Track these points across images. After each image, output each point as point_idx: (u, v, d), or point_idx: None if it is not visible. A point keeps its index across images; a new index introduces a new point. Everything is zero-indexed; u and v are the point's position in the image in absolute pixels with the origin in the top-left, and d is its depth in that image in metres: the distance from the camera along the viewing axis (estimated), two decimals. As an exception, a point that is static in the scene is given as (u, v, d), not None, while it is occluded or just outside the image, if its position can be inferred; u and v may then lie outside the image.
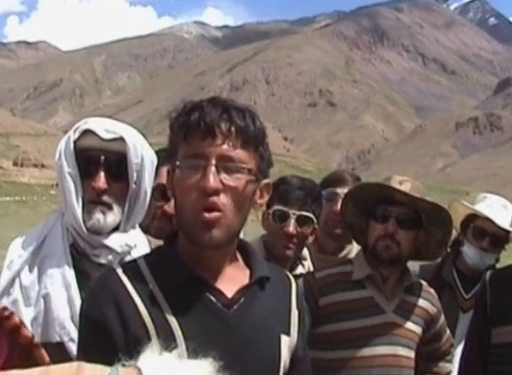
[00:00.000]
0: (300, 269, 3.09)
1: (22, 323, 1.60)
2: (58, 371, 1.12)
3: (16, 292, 2.09)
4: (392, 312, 2.74)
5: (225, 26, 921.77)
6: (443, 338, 3.01)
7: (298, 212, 2.85)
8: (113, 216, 2.16)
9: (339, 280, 2.77)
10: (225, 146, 1.55)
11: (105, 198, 2.13)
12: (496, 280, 3.02)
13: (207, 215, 1.54)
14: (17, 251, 2.15)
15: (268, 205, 2.93)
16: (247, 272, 1.72)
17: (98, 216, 2.13)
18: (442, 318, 2.96)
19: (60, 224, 2.20)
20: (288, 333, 1.74)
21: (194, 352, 1.23)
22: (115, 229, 2.20)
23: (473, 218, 3.61)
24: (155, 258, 1.70)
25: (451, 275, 3.68)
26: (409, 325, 2.76)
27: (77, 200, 2.13)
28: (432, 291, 2.93)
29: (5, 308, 1.59)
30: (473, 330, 3.07)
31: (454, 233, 3.58)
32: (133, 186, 2.18)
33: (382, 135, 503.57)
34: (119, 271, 1.63)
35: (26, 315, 2.05)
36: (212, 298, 1.61)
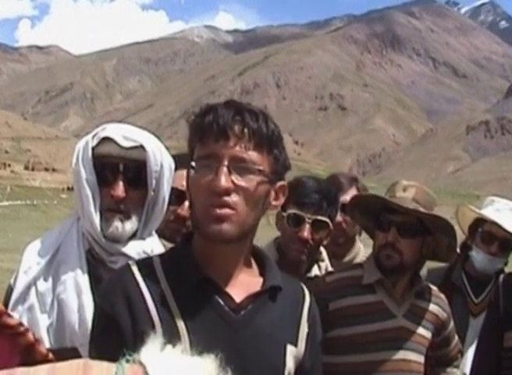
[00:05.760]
0: (315, 271, 3.06)
1: (37, 340, 1.62)
2: (65, 368, 1.13)
3: (32, 298, 2.10)
4: (402, 316, 2.73)
5: (236, 31, 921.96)
6: (452, 343, 2.99)
7: (313, 217, 2.82)
8: (131, 224, 2.16)
9: (349, 284, 2.76)
10: (237, 148, 1.59)
11: (124, 206, 2.13)
12: (509, 284, 3.02)
13: (218, 210, 1.57)
14: (35, 258, 2.15)
15: (283, 207, 2.88)
16: (260, 280, 1.73)
17: (117, 224, 2.13)
18: (452, 323, 2.94)
19: (75, 230, 2.19)
20: (295, 344, 1.75)
21: (198, 352, 1.23)
22: (133, 235, 2.20)
23: (481, 222, 3.58)
24: (170, 257, 1.74)
25: (461, 279, 3.66)
26: (419, 330, 2.75)
27: (95, 207, 2.13)
28: (442, 296, 2.92)
29: (20, 324, 1.60)
30: (485, 333, 3.06)
31: (463, 236, 3.68)
32: (152, 193, 2.18)
33: (393, 139, 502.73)
34: (134, 268, 1.68)
35: (42, 321, 2.07)
36: (221, 301, 1.64)
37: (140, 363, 1.13)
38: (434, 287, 2.93)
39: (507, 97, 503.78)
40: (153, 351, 1.16)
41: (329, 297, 2.71)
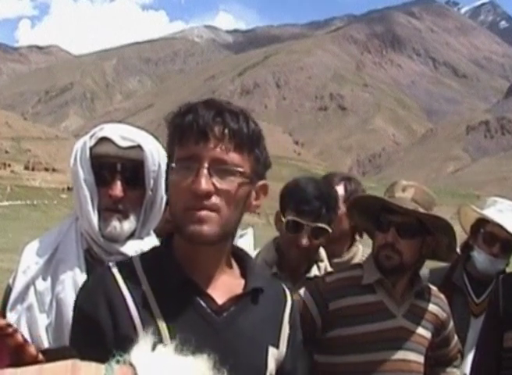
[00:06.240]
0: (314, 271, 3.03)
1: (26, 340, 1.60)
2: (53, 369, 1.11)
3: (31, 298, 2.09)
4: (402, 316, 2.72)
5: (236, 30, 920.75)
6: (452, 343, 2.99)
7: (312, 224, 2.79)
8: (129, 224, 2.16)
9: (349, 285, 2.74)
10: (218, 149, 1.56)
11: (122, 205, 2.13)
12: (508, 284, 3.02)
13: (198, 213, 1.56)
14: (33, 258, 2.15)
15: (283, 208, 2.91)
16: (242, 281, 1.73)
17: (115, 223, 2.13)
18: (451, 323, 2.94)
19: (74, 229, 2.19)
20: (277, 346, 1.75)
21: (189, 352, 1.21)
22: (131, 235, 2.20)
23: (483, 223, 3.55)
24: (150, 258, 1.72)
25: (462, 280, 3.64)
26: (419, 330, 2.75)
27: (93, 207, 2.13)
28: (441, 296, 2.91)
29: (8, 325, 1.57)
30: (485, 333, 3.07)
31: (464, 236, 3.67)
32: (150, 193, 2.18)
33: (393, 139, 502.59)
34: (115, 270, 1.67)
35: (41, 320, 2.07)
36: (202, 303, 1.63)
37: (130, 364, 1.10)
38: (434, 287, 2.93)
39: (507, 97, 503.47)
40: (144, 351, 1.14)
41: (329, 297, 2.70)
